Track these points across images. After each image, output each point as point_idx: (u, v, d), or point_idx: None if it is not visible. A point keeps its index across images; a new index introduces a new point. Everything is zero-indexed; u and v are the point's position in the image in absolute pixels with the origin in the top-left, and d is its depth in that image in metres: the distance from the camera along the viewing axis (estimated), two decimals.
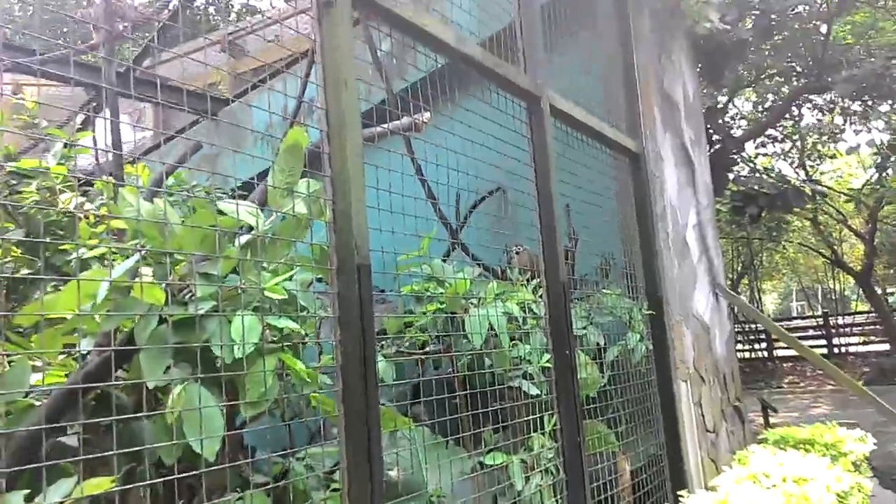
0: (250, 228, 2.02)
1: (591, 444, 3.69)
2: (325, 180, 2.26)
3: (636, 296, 4.68)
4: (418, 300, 3.28)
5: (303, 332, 1.98)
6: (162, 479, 1.68)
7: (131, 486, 1.59)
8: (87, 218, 2.75)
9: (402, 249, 3.21)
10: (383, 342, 3.22)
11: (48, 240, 2.78)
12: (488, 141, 3.37)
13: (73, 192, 2.86)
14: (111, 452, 1.62)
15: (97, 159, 4.29)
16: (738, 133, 12.15)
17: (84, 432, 1.88)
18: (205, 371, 1.85)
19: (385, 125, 2.80)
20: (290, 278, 2.15)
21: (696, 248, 5.43)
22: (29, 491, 1.52)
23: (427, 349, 3.10)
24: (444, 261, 4.79)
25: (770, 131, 13.40)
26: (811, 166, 15.73)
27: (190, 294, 1.86)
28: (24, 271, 2.55)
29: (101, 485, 1.50)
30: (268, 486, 1.98)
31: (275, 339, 2.02)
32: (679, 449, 4.52)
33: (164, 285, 1.73)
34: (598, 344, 4.07)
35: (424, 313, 3.15)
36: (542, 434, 3.26)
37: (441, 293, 3.14)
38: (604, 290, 4.36)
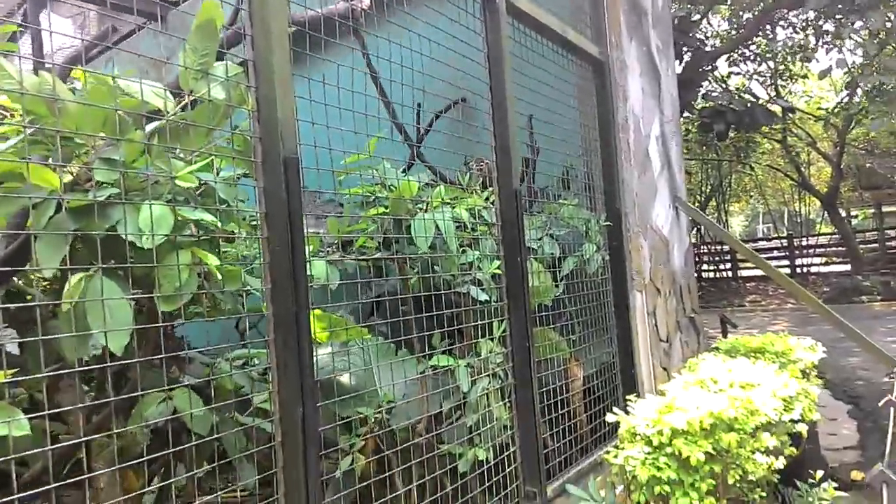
0: (157, 112, 1.85)
1: (542, 351, 3.68)
2: (248, 64, 2.08)
3: (595, 207, 4.60)
4: (362, 205, 3.15)
5: (218, 225, 1.84)
6: (80, 369, 1.58)
7: (26, 378, 1.49)
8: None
9: (352, 151, 3.06)
10: (330, 248, 3.11)
11: None
12: (447, 42, 3.18)
13: None
14: (11, 340, 1.51)
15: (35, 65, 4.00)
16: (709, 49, 11.89)
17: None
18: (114, 263, 1.73)
19: (320, 9, 2.59)
20: (210, 169, 1.99)
21: (658, 161, 5.33)
22: None
23: (375, 256, 2.99)
24: (404, 172, 4.64)
25: (743, 50, 13.15)
26: (782, 86, 15.57)
27: (90, 181, 1.71)
28: None
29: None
30: (195, 383, 1.90)
31: (193, 232, 1.88)
32: (632, 357, 4.55)
33: (56, 168, 1.58)
34: (552, 254, 4.00)
35: (373, 220, 3.02)
36: (491, 340, 3.21)
37: (386, 197, 3.01)
38: (561, 202, 4.26)
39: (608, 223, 4.53)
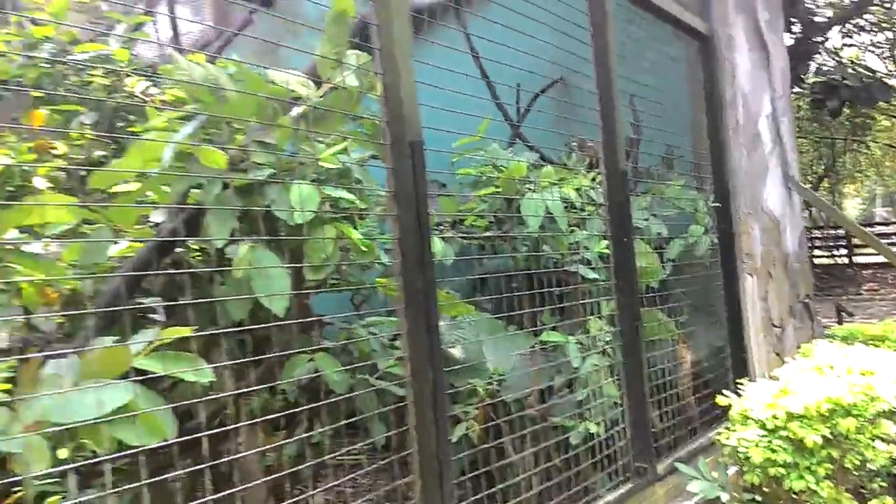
0: (299, 99, 2.09)
1: (649, 331, 3.75)
2: (375, 53, 2.29)
3: (702, 187, 4.60)
4: (475, 185, 3.33)
5: (358, 204, 2.07)
6: (235, 329, 1.84)
7: (208, 332, 1.76)
8: (152, 101, 2.87)
9: (463, 133, 3.24)
10: (442, 227, 3.31)
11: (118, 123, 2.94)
12: (551, 22, 3.29)
13: (139, 76, 2.97)
14: (187, 301, 1.78)
15: (159, 43, 4.40)
16: (822, 19, 11.35)
17: (161, 295, 2.05)
18: (272, 236, 1.98)
19: None
20: (345, 151, 2.22)
21: (769, 139, 5.24)
22: (118, 337, 1.69)
23: (485, 235, 3.17)
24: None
25: (858, 20, 12.46)
26: None
27: (249, 163, 1.96)
28: (98, 153, 2.71)
29: (179, 331, 1.66)
30: (334, 345, 2.14)
31: (335, 210, 2.12)
32: (742, 341, 4.54)
33: (220, 149, 1.83)
34: (658, 234, 4.05)
35: (481, 198, 3.20)
36: (600, 318, 3.33)
37: (497, 177, 3.18)
38: (667, 182, 4.30)
39: (716, 204, 4.52)
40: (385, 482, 2.50)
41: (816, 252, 21.12)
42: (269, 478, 2.17)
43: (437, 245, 3.02)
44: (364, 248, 2.17)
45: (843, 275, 19.31)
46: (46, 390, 1.50)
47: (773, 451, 3.15)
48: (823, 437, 3.07)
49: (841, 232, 20.73)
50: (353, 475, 2.26)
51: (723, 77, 4.70)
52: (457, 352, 3.51)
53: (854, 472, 3.59)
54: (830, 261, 20.70)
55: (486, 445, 3.06)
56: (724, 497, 3.26)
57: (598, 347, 3.28)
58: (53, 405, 1.47)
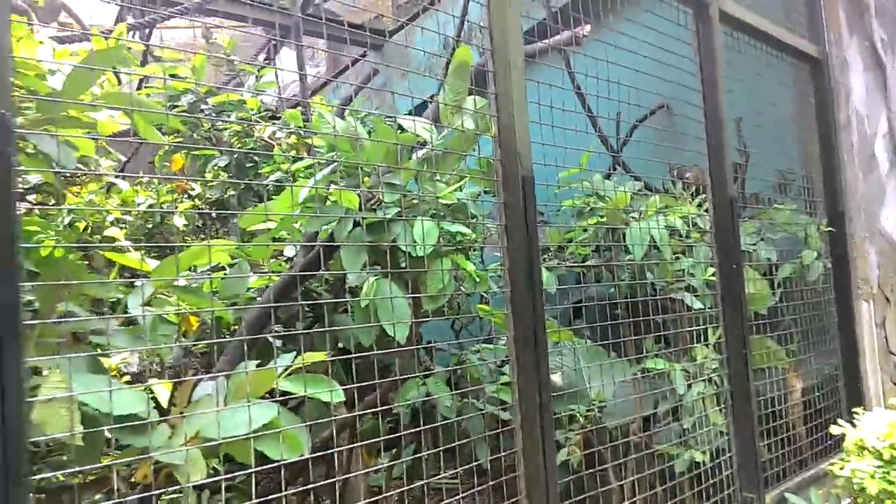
0: (424, 143, 2.24)
1: (758, 359, 3.67)
2: (490, 97, 2.42)
3: (814, 212, 4.45)
4: (579, 215, 3.39)
5: (473, 237, 2.19)
6: (362, 354, 2.00)
7: (341, 357, 1.92)
8: (279, 144, 3.12)
9: (564, 165, 3.32)
10: (545, 255, 3.39)
11: (247, 164, 3.21)
12: (653, 53, 3.33)
13: (267, 122, 3.25)
14: (322, 329, 1.95)
15: (280, 93, 4.75)
16: None
17: (287, 324, 2.24)
18: (396, 268, 2.14)
19: (546, 41, 2.88)
20: (461, 189, 2.36)
21: (886, 161, 4.99)
22: (259, 360, 1.88)
23: (588, 263, 3.23)
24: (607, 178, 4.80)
25: None
26: None
27: (378, 202, 2.13)
28: (231, 192, 2.98)
29: (317, 356, 1.83)
30: (447, 369, 2.26)
31: (449, 243, 2.25)
32: (857, 369, 4.33)
33: (357, 191, 2.01)
34: (768, 260, 3.96)
35: (585, 229, 3.26)
36: (706, 346, 3.30)
37: (602, 207, 3.23)
38: (776, 206, 4.20)
39: (830, 228, 4.36)
40: None
41: None
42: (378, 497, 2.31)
43: (544, 274, 3.11)
44: (477, 279, 2.28)
45: None
46: (202, 409, 1.69)
47: (891, 482, 3.01)
48: None
49: None
50: (459, 496, 2.37)
51: (836, 99, 4.54)
52: (557, 378, 3.57)
53: None
54: None
55: (588, 471, 3.10)
56: None
57: (704, 375, 3.25)
58: (208, 422, 1.65)
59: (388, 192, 2.11)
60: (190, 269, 2.11)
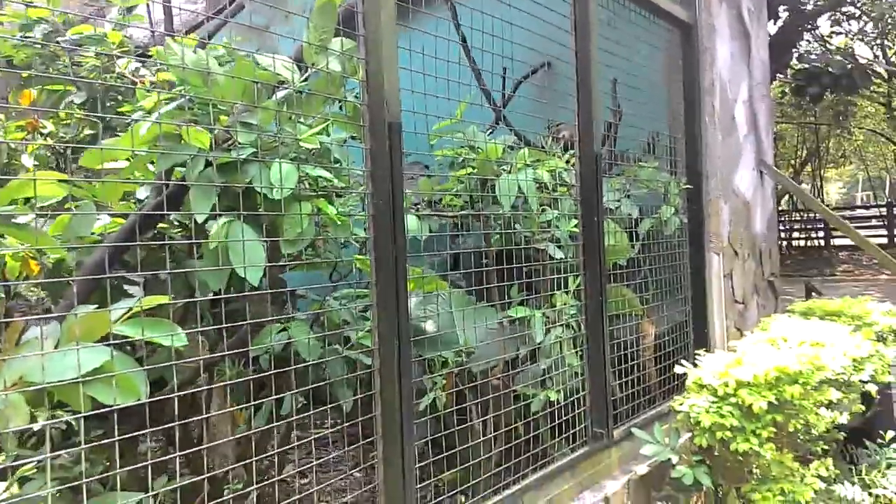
0: (284, 83, 2.15)
1: (614, 306, 3.86)
2: (359, 39, 2.34)
3: (676, 171, 4.67)
4: (451, 165, 3.39)
5: (336, 182, 2.14)
6: (211, 298, 1.93)
7: (184, 300, 1.84)
8: (142, 83, 2.90)
9: (448, 117, 3.30)
10: (418, 204, 3.38)
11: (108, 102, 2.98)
12: (537, 11, 3.33)
13: (130, 57, 3.01)
14: (165, 272, 1.86)
15: (152, 30, 4.41)
16: (810, 7, 11.29)
17: (141, 268, 2.12)
18: (251, 211, 2.05)
19: None
20: (326, 132, 2.29)
21: (745, 125, 5.30)
22: (98, 304, 1.76)
23: (459, 213, 3.25)
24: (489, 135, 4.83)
25: (848, 8, 12.37)
26: (889, 46, 14.57)
27: (233, 142, 2.03)
28: (87, 131, 2.76)
29: (157, 299, 1.74)
30: (307, 314, 2.23)
31: (312, 187, 2.19)
32: (705, 316, 4.66)
33: (207, 130, 1.90)
34: (630, 215, 4.14)
35: (459, 180, 3.28)
36: (566, 293, 3.43)
37: (474, 158, 3.24)
38: (640, 164, 4.38)
39: (688, 186, 4.60)
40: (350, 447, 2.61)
41: (795, 234, 21.29)
42: (237, 436, 2.28)
43: (413, 222, 3.11)
44: (339, 223, 2.24)
45: (819, 256, 19.48)
46: (27, 352, 1.58)
47: (723, 416, 3.28)
48: (769, 402, 3.21)
49: (819, 214, 20.86)
50: (318, 434, 2.37)
51: (702, 64, 4.74)
52: (430, 325, 3.62)
53: (800, 437, 3.76)
54: (807, 242, 20.85)
55: (448, 410, 3.19)
56: (674, 459, 3.40)
57: (563, 320, 3.38)
58: (34, 366, 1.55)
59: (244, 131, 2.02)
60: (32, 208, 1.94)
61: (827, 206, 24.37)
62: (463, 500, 2.92)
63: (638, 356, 4.16)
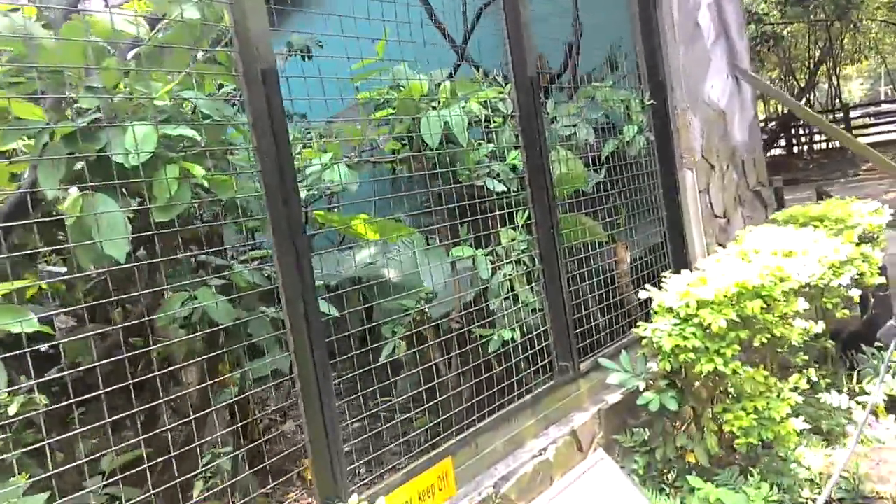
0: (135, 39, 1.98)
1: (573, 236, 3.68)
2: None
3: (640, 86, 4.40)
4: (377, 108, 3.20)
5: (198, 139, 1.99)
6: (107, 269, 1.83)
7: (46, 281, 1.74)
8: None
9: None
10: (352, 152, 3.22)
11: None
12: None
13: None
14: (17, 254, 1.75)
15: None
16: None
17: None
18: (108, 181, 1.92)
19: None
20: (194, 88, 2.13)
21: (712, 30, 4.95)
22: None
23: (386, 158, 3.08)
24: (451, 76, 4.59)
25: None
26: None
27: (78, 109, 1.89)
28: None
29: (11, 285, 1.64)
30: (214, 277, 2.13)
31: (181, 148, 2.05)
32: (682, 236, 4.45)
33: (41, 101, 1.76)
34: (586, 140, 3.91)
35: (384, 122, 3.09)
36: (513, 229, 3.26)
37: (394, 98, 3.05)
38: (595, 85, 4.12)
39: (651, 101, 4.33)
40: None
41: (816, 137, 20.49)
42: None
43: (341, 171, 2.96)
44: (221, 184, 2.10)
45: (842, 157, 18.75)
46: None
47: (686, 338, 3.12)
48: (731, 320, 3.03)
49: (839, 115, 20.06)
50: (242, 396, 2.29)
51: None
52: (391, 274, 3.51)
53: (778, 350, 3.59)
54: (828, 144, 20.08)
55: (409, 351, 3.09)
56: (641, 386, 3.27)
57: (512, 257, 3.22)
58: None
59: (87, 96, 1.87)
60: None
61: (849, 104, 23.33)
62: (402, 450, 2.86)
63: (611, 283, 4.00)
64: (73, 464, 1.86)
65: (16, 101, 1.72)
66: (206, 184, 1.99)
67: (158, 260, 1.96)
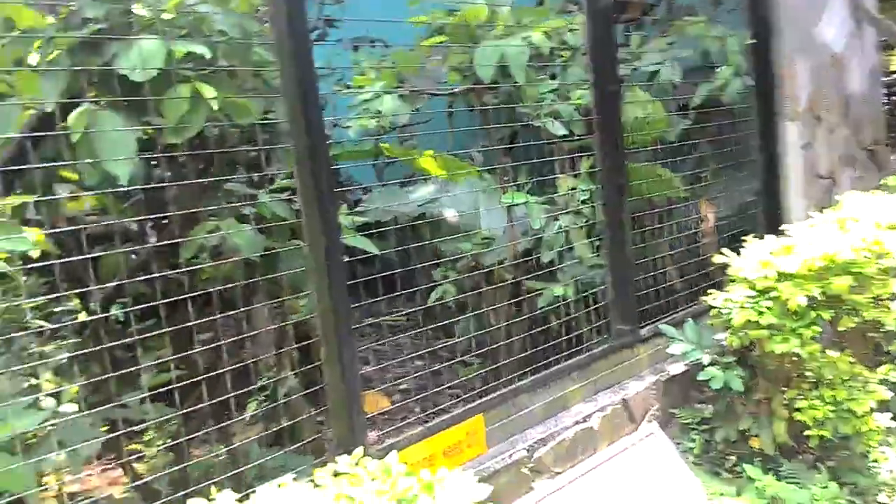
0: None
1: (647, 189, 3.33)
2: None
3: (741, 23, 3.89)
4: (432, 35, 2.94)
5: (206, 57, 1.83)
6: (125, 188, 1.75)
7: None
8: None
9: None
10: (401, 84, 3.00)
11: None
12: None
13: None
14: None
15: None
16: None
17: None
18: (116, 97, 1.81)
19: None
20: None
21: None
22: None
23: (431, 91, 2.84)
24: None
25: None
26: None
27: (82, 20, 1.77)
28: None
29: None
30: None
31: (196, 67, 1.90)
32: (776, 196, 3.97)
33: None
34: (671, 81, 3.50)
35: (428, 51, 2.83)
36: (575, 176, 2.97)
37: (447, 24, 2.78)
38: (686, 18, 3.66)
39: (753, 41, 3.82)
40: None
41: None
42: None
43: (390, 102, 2.76)
44: (237, 106, 1.95)
45: None
46: None
47: (760, 312, 2.77)
48: (812, 297, 2.65)
49: None
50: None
51: None
52: (451, 215, 3.33)
53: (870, 335, 3.16)
54: None
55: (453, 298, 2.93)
56: (706, 360, 2.96)
57: (571, 208, 2.94)
58: None
59: (91, 4, 1.74)
60: None
61: None
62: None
63: (691, 243, 3.64)
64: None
65: (16, 5, 1.61)
66: (213, 106, 1.83)
67: (180, 183, 1.85)
